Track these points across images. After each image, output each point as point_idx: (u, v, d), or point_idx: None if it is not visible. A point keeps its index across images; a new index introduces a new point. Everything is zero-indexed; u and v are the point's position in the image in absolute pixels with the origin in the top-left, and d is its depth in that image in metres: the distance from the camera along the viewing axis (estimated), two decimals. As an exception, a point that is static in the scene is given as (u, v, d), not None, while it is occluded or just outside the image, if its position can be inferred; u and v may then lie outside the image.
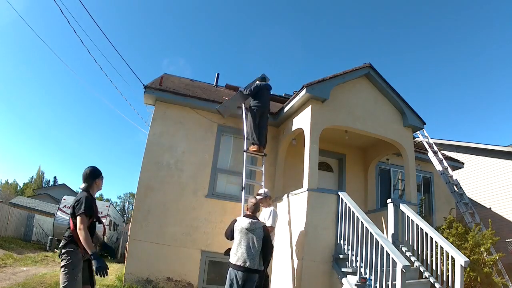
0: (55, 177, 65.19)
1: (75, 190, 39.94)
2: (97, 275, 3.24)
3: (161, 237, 6.61)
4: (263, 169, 6.86)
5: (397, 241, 5.87)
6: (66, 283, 3.21)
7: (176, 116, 7.40)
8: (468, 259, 4.65)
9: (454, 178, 8.72)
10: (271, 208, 5.55)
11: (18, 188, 52.48)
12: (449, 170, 8.80)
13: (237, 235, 4.46)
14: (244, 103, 7.37)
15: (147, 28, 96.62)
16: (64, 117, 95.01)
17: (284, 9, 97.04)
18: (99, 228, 3.61)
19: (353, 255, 5.11)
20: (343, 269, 5.24)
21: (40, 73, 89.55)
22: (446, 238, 5.65)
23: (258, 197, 5.37)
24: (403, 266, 4.14)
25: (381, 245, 4.61)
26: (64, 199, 18.29)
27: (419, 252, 5.46)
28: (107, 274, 3.26)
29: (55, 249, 15.01)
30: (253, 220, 4.48)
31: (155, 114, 7.33)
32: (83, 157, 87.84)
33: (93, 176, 3.59)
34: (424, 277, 5.19)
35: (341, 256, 5.42)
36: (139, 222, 6.62)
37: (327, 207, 5.84)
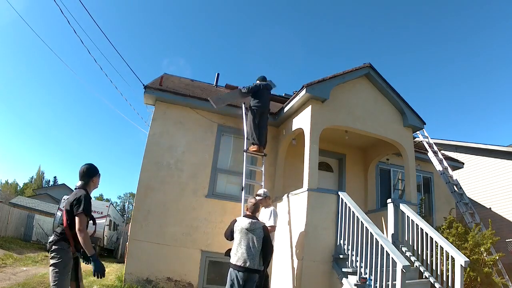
0: (55, 177, 65.26)
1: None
2: (94, 276, 3.22)
3: (161, 237, 6.61)
4: (263, 169, 6.86)
5: (397, 241, 5.87)
6: (56, 282, 3.18)
7: (176, 116, 7.40)
8: (468, 259, 4.65)
9: (454, 178, 8.72)
10: (271, 208, 5.56)
11: (18, 188, 52.50)
12: (449, 170, 8.80)
13: (237, 235, 4.46)
14: (244, 103, 7.37)
15: (147, 28, 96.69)
16: (64, 117, 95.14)
17: (284, 9, 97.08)
18: (91, 228, 3.56)
19: (353, 255, 5.10)
20: (343, 269, 5.24)
21: (40, 73, 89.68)
22: (446, 238, 5.65)
23: (257, 197, 5.38)
24: (403, 266, 4.14)
25: (381, 245, 4.61)
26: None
27: (419, 252, 5.46)
28: (104, 276, 3.25)
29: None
30: (253, 220, 4.48)
31: (155, 114, 7.33)
32: (83, 157, 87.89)
33: (90, 173, 3.50)
34: (424, 277, 5.19)
35: (341, 256, 5.41)
36: (139, 222, 6.62)
37: (327, 207, 5.84)
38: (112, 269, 11.17)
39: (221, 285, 6.13)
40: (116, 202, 62.79)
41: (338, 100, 6.73)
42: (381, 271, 4.50)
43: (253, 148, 6.85)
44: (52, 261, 3.22)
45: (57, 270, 3.21)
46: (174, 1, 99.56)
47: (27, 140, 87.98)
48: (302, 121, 6.70)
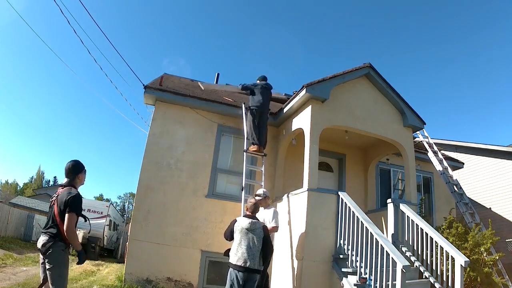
0: (55, 177, 65.19)
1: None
2: (78, 264, 3.43)
3: (161, 237, 6.61)
4: (263, 169, 6.86)
5: (397, 241, 5.87)
6: (60, 286, 3.18)
7: (176, 116, 7.39)
8: (468, 259, 4.65)
9: (454, 178, 8.72)
10: (273, 208, 5.57)
11: (18, 188, 52.52)
12: (449, 170, 8.80)
13: (237, 235, 4.46)
14: (244, 103, 7.38)
15: (147, 28, 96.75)
16: (64, 117, 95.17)
17: (284, 9, 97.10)
18: (86, 226, 3.58)
19: (353, 255, 5.10)
20: (343, 269, 5.24)
21: (40, 73, 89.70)
22: (446, 238, 5.65)
23: (257, 197, 5.38)
24: (403, 266, 4.14)
25: (381, 245, 4.61)
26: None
27: (419, 252, 5.45)
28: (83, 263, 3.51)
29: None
30: (253, 220, 4.49)
31: (155, 114, 7.33)
32: (83, 157, 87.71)
33: (75, 170, 3.47)
34: (424, 277, 5.19)
35: (341, 256, 5.41)
36: (139, 222, 6.62)
37: (327, 207, 5.83)
38: (112, 269, 11.18)
39: (221, 285, 6.13)
40: (116, 202, 62.89)
41: (338, 100, 6.73)
42: (381, 271, 4.50)
43: (253, 148, 6.85)
44: (52, 264, 3.17)
45: (59, 273, 3.19)
46: (174, 1, 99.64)
47: (27, 140, 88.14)
48: (302, 121, 6.70)
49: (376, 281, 4.52)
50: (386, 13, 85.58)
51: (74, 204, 3.23)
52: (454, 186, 8.50)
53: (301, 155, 6.46)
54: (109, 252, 21.84)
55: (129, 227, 6.93)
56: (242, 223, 4.47)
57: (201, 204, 6.99)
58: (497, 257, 6.23)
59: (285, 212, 6.37)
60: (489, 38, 67.57)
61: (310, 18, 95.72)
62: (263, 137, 6.95)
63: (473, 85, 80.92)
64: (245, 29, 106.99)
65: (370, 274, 4.64)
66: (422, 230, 5.43)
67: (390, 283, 4.31)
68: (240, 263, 4.25)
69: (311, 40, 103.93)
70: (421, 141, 9.27)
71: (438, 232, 5.47)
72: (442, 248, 4.97)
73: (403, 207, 5.96)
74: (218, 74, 11.07)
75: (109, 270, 10.95)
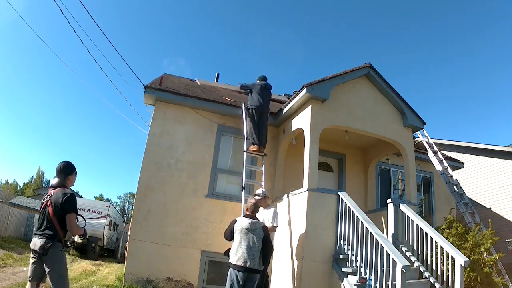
0: (55, 177, 65.10)
1: (75, 191, 39.91)
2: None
3: (161, 237, 6.61)
4: (263, 169, 6.86)
5: (397, 241, 5.87)
6: (62, 286, 3.19)
7: (176, 116, 7.39)
8: (468, 259, 4.65)
9: (454, 178, 8.72)
10: (273, 208, 5.57)
11: (18, 188, 52.54)
12: (449, 170, 8.80)
13: (237, 235, 4.46)
14: (244, 103, 7.38)
15: (147, 28, 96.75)
16: (64, 117, 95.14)
17: (284, 9, 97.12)
18: (81, 223, 3.65)
19: (353, 255, 5.10)
20: (343, 269, 5.24)
21: (40, 73, 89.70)
22: (446, 238, 5.65)
23: (256, 197, 5.38)
24: (403, 266, 4.14)
25: (381, 245, 4.61)
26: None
27: (419, 252, 5.45)
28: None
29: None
30: (253, 220, 4.49)
31: (155, 114, 7.33)
32: (83, 157, 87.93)
33: (66, 171, 3.51)
34: (424, 277, 5.19)
35: (341, 256, 5.41)
36: (139, 222, 6.62)
37: (327, 207, 5.83)
38: (112, 269, 11.18)
39: (221, 285, 6.13)
40: (116, 202, 62.88)
41: (338, 100, 6.73)
42: (381, 271, 4.50)
43: (253, 148, 6.85)
44: (52, 266, 3.18)
45: (60, 274, 3.21)
46: (174, 1, 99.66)
47: (27, 140, 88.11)
48: (302, 121, 6.70)
49: (376, 281, 4.52)
50: (386, 13, 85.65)
51: (71, 205, 3.30)
52: (454, 186, 8.50)
53: (301, 155, 6.46)
54: (109, 252, 21.85)
55: (129, 227, 6.93)
56: (242, 223, 4.47)
57: (201, 204, 6.99)
58: (497, 257, 6.23)
59: (285, 212, 6.37)
60: (489, 38, 67.65)
61: (310, 18, 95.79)
62: (263, 137, 6.95)
63: (473, 85, 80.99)
64: (245, 29, 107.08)
65: (370, 274, 4.64)
66: (422, 230, 5.43)
67: (390, 283, 4.31)
68: (240, 263, 4.25)
69: (311, 40, 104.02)
70: (421, 141, 9.27)
71: (438, 232, 5.47)
72: (442, 248, 4.98)
73: (403, 207, 5.96)
74: (218, 74, 11.08)
75: (109, 270, 10.95)
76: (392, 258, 4.34)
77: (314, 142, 6.26)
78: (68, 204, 3.27)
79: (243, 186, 6.41)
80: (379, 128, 6.97)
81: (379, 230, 4.98)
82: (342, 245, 5.51)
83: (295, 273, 5.55)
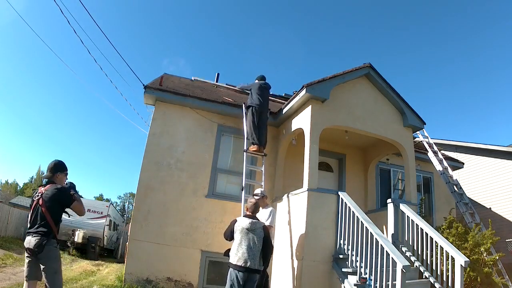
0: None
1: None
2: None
3: (161, 237, 6.61)
4: (263, 169, 6.86)
5: (397, 241, 5.87)
6: (57, 283, 3.21)
7: (176, 116, 7.39)
8: (468, 259, 4.65)
9: (454, 178, 8.72)
10: (271, 208, 5.57)
11: (18, 188, 52.54)
12: (449, 170, 8.80)
13: (237, 235, 4.46)
14: (244, 103, 7.38)
15: (147, 28, 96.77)
16: (64, 117, 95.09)
17: (284, 8, 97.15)
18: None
19: (353, 255, 5.10)
20: (343, 269, 5.24)
21: (40, 73, 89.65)
22: (446, 238, 5.65)
23: (255, 197, 5.37)
24: (403, 266, 4.14)
25: (381, 245, 4.61)
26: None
27: (419, 252, 5.45)
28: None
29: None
30: (254, 220, 4.48)
31: (155, 114, 7.33)
32: (83, 157, 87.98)
33: (56, 168, 3.59)
34: (424, 277, 5.19)
35: (341, 256, 5.41)
36: (139, 222, 6.62)
37: (327, 207, 5.84)
38: (112, 269, 11.18)
39: (221, 285, 6.13)
40: (116, 202, 62.84)
41: (338, 100, 6.73)
42: (381, 271, 4.50)
43: (253, 148, 6.85)
44: (47, 262, 3.22)
45: (55, 270, 3.25)
46: (174, 1, 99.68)
47: (27, 140, 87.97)
48: (302, 121, 6.70)
49: (376, 281, 4.52)
50: (386, 13, 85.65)
51: (67, 197, 3.45)
52: (454, 186, 8.50)
53: (301, 155, 6.46)
54: (109, 252, 21.84)
55: (129, 227, 6.93)
56: (243, 223, 4.47)
57: (201, 204, 6.99)
58: (497, 257, 6.23)
59: (285, 212, 6.37)
60: (489, 38, 67.62)
61: (310, 18, 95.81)
62: (263, 137, 6.95)
63: (473, 85, 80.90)
64: (245, 29, 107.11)
65: (370, 274, 4.64)
66: (422, 230, 5.43)
67: (390, 283, 4.31)
68: (240, 263, 4.25)
69: (311, 40, 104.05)
70: (421, 141, 9.27)
71: (438, 232, 5.47)
72: (442, 248, 4.98)
73: (403, 207, 5.96)
74: (218, 74, 11.07)
75: (109, 270, 10.95)
76: (392, 258, 4.34)
77: (314, 142, 6.26)
78: (64, 197, 3.41)
79: (243, 186, 6.41)
80: (379, 128, 6.97)
81: (379, 230, 4.98)
82: (342, 245, 5.51)
83: (295, 273, 5.55)
